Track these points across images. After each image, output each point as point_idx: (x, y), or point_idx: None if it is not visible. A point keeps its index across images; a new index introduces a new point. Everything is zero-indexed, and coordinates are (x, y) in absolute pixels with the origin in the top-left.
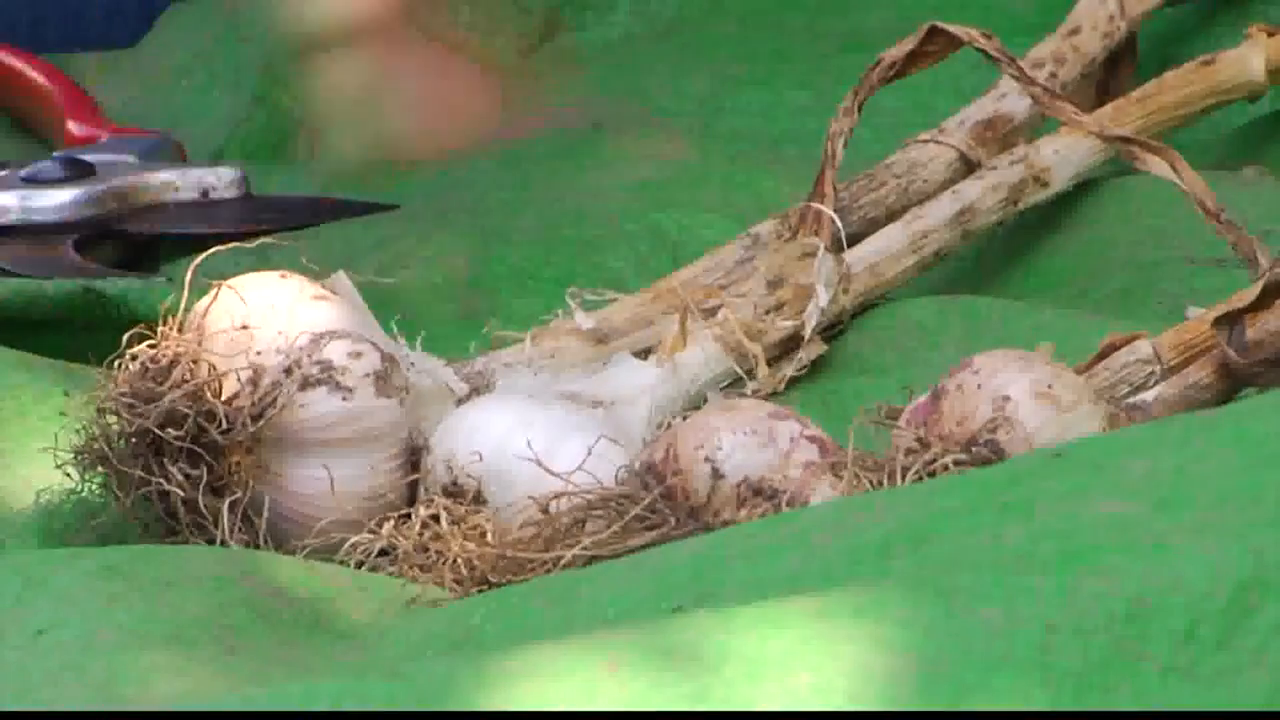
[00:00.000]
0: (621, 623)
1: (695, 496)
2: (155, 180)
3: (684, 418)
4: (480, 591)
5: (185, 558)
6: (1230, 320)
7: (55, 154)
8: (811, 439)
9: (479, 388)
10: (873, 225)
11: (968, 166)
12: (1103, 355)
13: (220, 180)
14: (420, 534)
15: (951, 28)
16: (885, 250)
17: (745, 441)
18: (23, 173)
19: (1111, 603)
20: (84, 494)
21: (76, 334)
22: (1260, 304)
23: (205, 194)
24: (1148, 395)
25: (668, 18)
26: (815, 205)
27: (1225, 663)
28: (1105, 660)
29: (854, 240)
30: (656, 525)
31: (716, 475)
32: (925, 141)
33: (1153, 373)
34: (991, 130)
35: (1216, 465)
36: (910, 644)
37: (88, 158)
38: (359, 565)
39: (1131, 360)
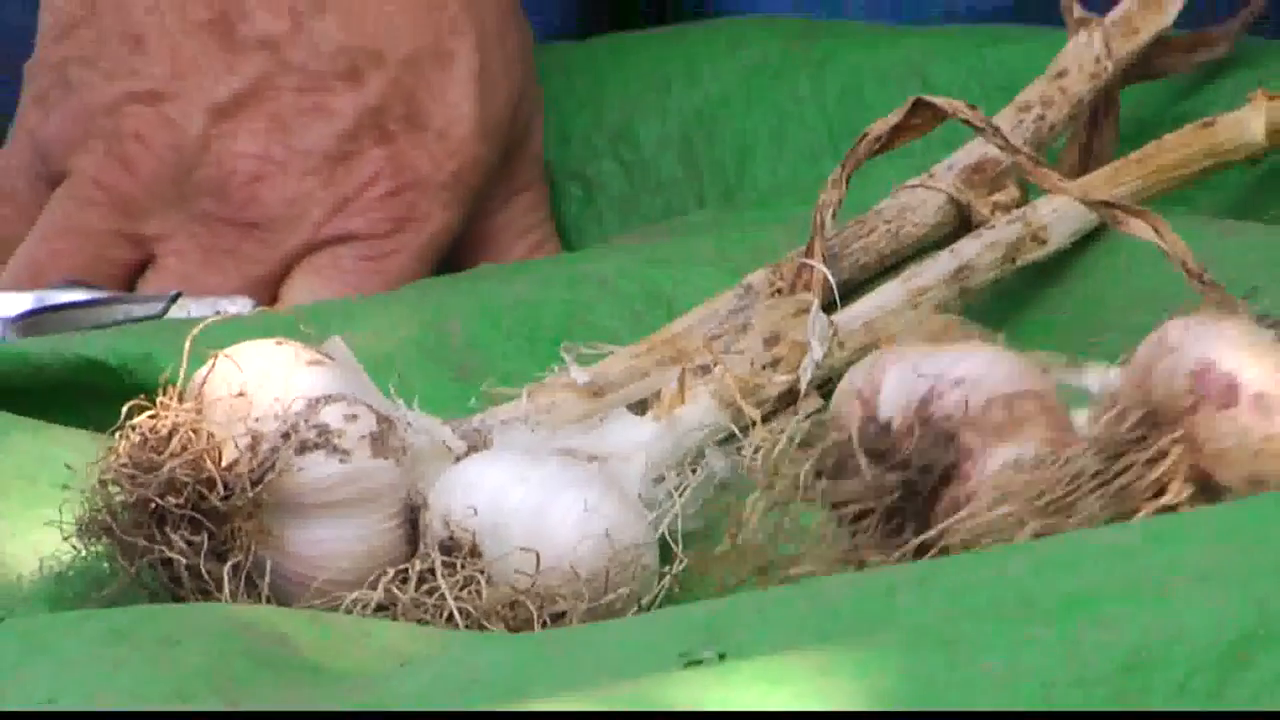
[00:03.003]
0: (625, 677)
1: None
2: None
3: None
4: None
5: (189, 615)
6: None
7: None
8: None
9: (476, 445)
10: (863, 270)
11: (957, 209)
12: None
13: None
14: (417, 588)
15: (937, 100)
16: (883, 306)
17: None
18: None
19: (1112, 654)
20: (91, 562)
21: (79, 401)
22: None
23: None
24: None
25: None
26: (809, 262)
27: (1219, 712)
28: (1104, 709)
29: (848, 286)
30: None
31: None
32: (915, 186)
33: None
34: (980, 173)
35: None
36: (912, 699)
37: None
38: None
39: None
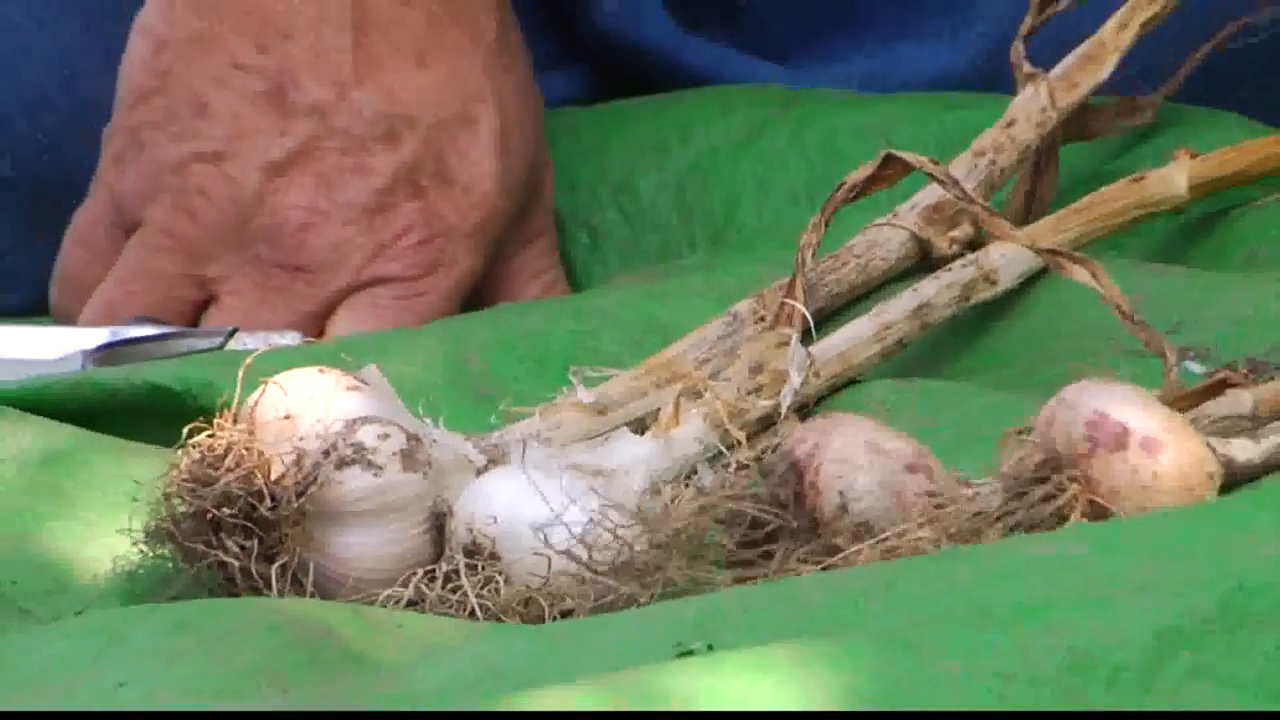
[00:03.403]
0: (625, 666)
1: (820, 514)
2: None
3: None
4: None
5: (243, 609)
6: None
7: None
8: (931, 494)
9: (495, 459)
10: (836, 299)
11: (918, 244)
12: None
13: None
14: (443, 586)
15: (904, 155)
16: (854, 339)
17: (877, 490)
18: None
19: (1057, 655)
20: (157, 564)
21: (148, 422)
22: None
23: None
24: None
25: None
26: (789, 301)
27: (1147, 704)
28: (1049, 704)
29: (823, 313)
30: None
31: (843, 510)
32: (881, 225)
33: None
34: (939, 212)
35: (1159, 517)
36: (882, 694)
37: None
38: None
39: (1231, 412)
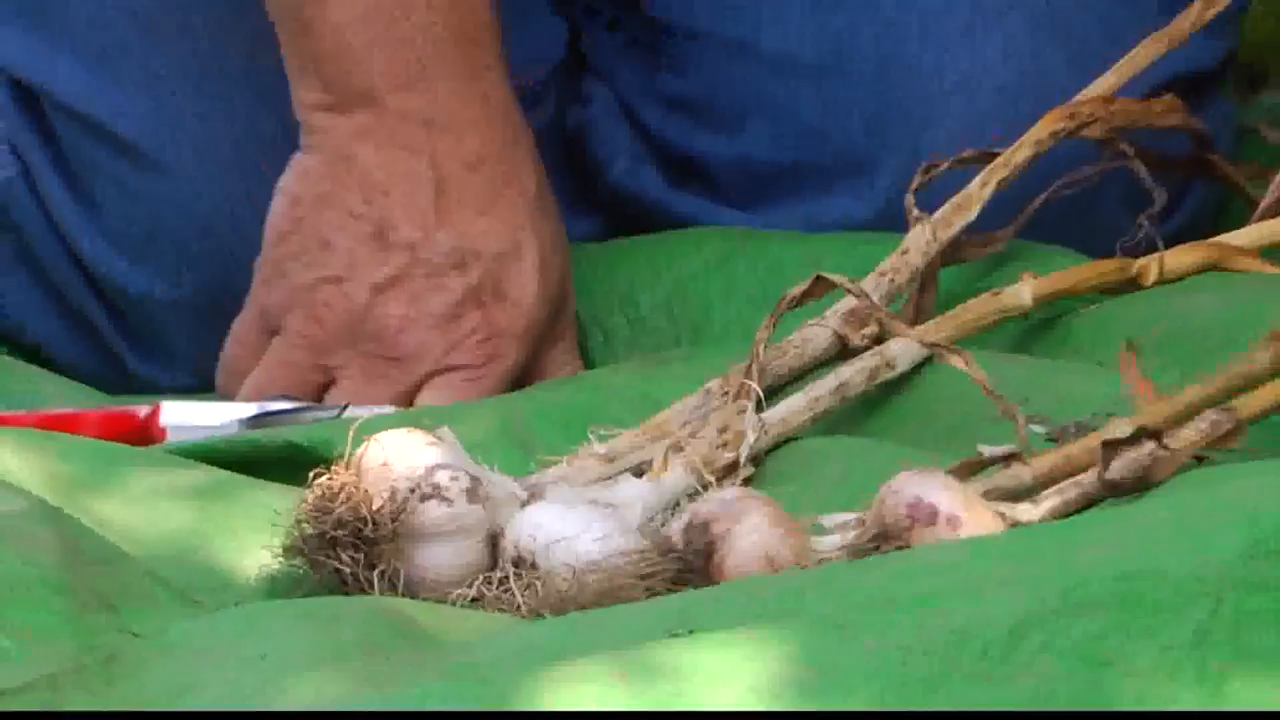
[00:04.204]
0: (629, 644)
1: (719, 572)
2: None
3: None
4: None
5: (352, 603)
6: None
7: None
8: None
9: (535, 495)
10: (780, 379)
11: (839, 339)
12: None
13: None
14: (497, 589)
15: (830, 276)
16: (792, 408)
17: (754, 553)
18: None
19: (944, 633)
20: (290, 571)
21: (283, 468)
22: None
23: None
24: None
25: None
26: (747, 382)
27: (1006, 671)
28: (939, 670)
29: (771, 388)
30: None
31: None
32: (813, 325)
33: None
34: (854, 316)
35: (1012, 535)
36: (816, 661)
37: None
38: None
39: (1012, 483)
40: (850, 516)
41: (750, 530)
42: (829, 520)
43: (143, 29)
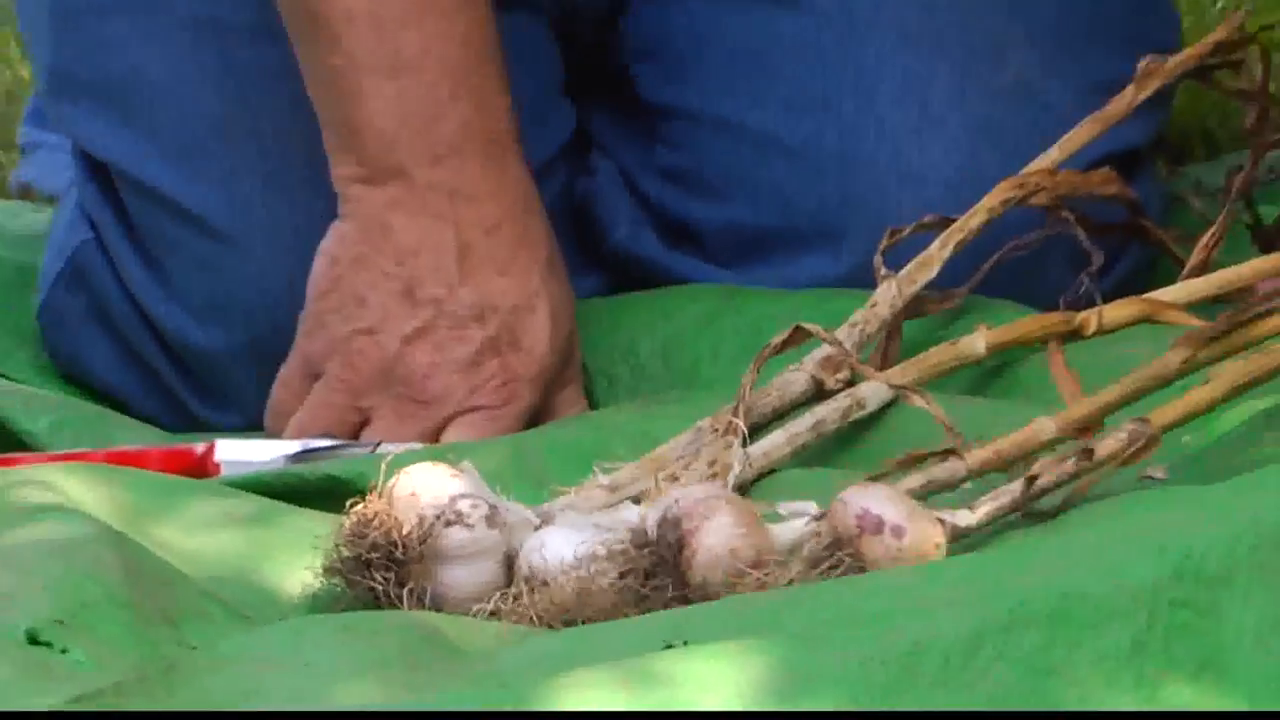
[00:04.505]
0: (630, 655)
1: (690, 572)
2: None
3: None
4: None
5: (386, 617)
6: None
7: None
8: (757, 564)
9: (546, 521)
10: (763, 417)
11: (816, 383)
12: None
13: None
14: (512, 603)
15: (807, 326)
16: (774, 444)
17: (725, 558)
18: None
19: (901, 644)
20: (330, 589)
21: (323, 498)
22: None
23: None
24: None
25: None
26: (734, 420)
27: (964, 678)
28: (897, 676)
29: (755, 426)
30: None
31: (704, 580)
32: (792, 371)
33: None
34: (829, 363)
35: (955, 560)
36: (791, 669)
37: None
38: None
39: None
40: (802, 504)
41: (718, 528)
42: (784, 508)
43: (218, 131)
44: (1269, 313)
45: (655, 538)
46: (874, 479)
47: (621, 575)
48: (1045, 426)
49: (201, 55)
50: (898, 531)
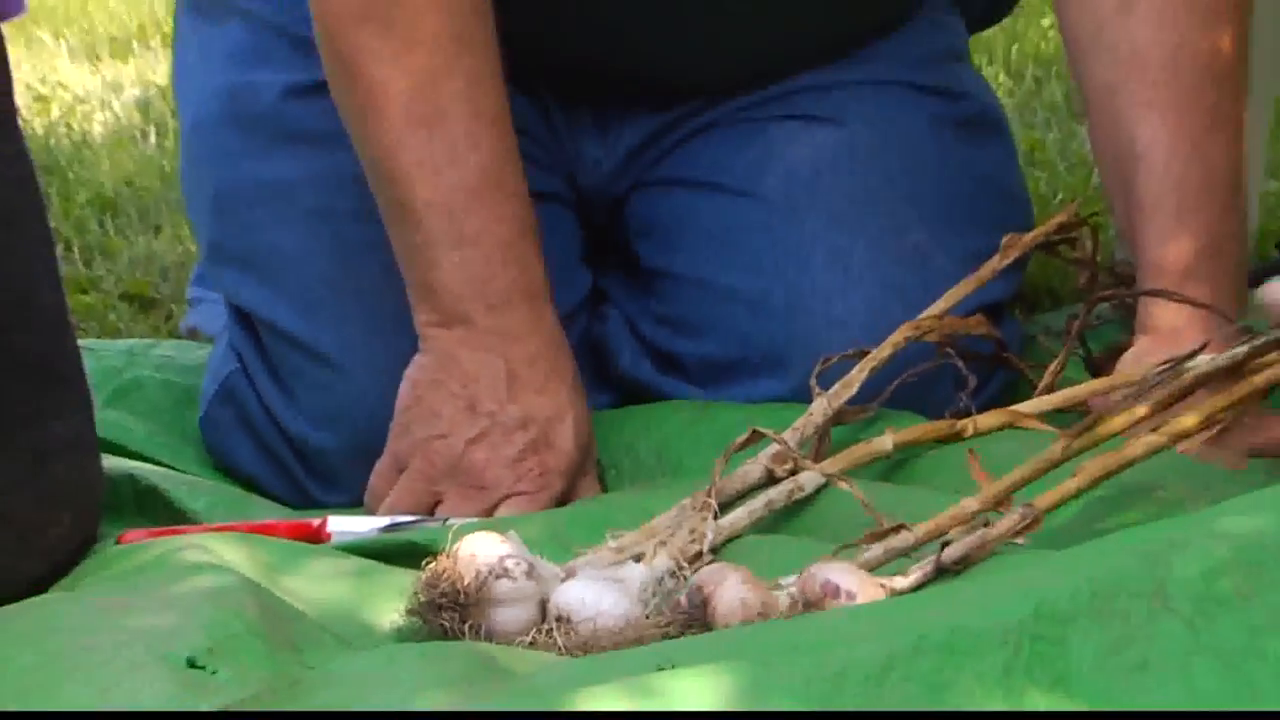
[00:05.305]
0: (630, 675)
1: (712, 618)
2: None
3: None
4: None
5: (453, 647)
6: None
7: None
8: (761, 614)
9: (571, 574)
10: (730, 498)
11: (768, 472)
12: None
13: None
14: (545, 637)
15: (762, 429)
16: (737, 518)
17: (734, 602)
18: None
19: (833, 665)
20: (411, 625)
21: (406, 558)
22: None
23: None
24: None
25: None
26: (708, 500)
27: (879, 692)
28: (831, 689)
29: (723, 506)
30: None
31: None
32: (750, 464)
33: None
34: (777, 458)
35: (880, 603)
36: (750, 685)
37: None
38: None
39: (903, 544)
40: (793, 579)
41: (731, 587)
42: (785, 581)
43: (333, 289)
44: (1115, 411)
45: (687, 604)
46: (842, 549)
47: (662, 629)
48: (970, 504)
49: (319, 234)
50: (851, 595)
